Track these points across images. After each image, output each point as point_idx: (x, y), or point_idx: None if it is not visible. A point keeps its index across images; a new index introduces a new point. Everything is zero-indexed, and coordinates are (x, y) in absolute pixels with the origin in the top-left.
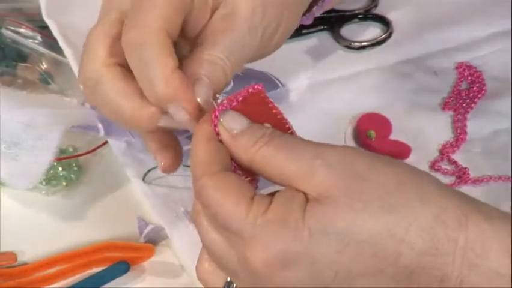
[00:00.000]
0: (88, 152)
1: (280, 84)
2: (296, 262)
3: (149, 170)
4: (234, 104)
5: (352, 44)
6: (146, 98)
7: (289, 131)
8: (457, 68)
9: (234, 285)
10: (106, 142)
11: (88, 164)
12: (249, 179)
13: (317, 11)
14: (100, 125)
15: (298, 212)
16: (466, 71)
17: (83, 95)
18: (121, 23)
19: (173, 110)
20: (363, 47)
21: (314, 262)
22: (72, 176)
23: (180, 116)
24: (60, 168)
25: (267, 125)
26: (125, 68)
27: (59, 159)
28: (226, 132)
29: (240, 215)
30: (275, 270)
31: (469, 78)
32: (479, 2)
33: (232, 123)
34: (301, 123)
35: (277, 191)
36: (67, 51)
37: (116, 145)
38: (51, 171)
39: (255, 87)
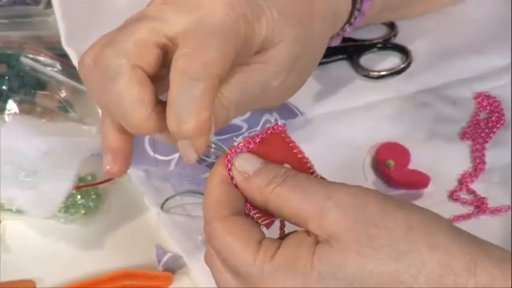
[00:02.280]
0: (107, 181)
1: (298, 113)
2: None
3: (167, 199)
4: (251, 146)
5: (371, 73)
6: (156, 109)
7: (310, 171)
8: (475, 97)
9: None
10: None
11: (107, 192)
12: (266, 221)
13: (357, 23)
14: None
15: (307, 255)
16: (485, 100)
17: (80, 72)
18: (160, 34)
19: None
20: (382, 76)
21: None
22: (90, 204)
23: (190, 155)
24: (78, 197)
25: (286, 165)
26: (145, 73)
27: (77, 188)
28: (240, 175)
29: (248, 259)
30: None
31: (488, 108)
32: (497, 32)
33: (246, 166)
34: (320, 153)
35: (287, 234)
36: None
37: (134, 174)
38: (70, 200)
39: (276, 127)
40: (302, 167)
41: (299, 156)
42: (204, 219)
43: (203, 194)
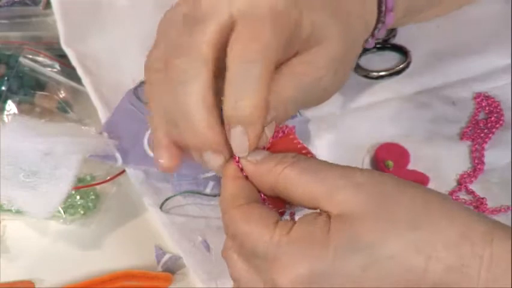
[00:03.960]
0: (106, 181)
1: (298, 113)
2: (323, 280)
3: (166, 199)
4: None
5: (370, 73)
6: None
7: None
8: (475, 98)
9: None
10: (124, 171)
11: (106, 192)
12: (279, 210)
13: (379, 35)
14: (117, 155)
15: (323, 229)
16: (484, 101)
17: (146, 74)
18: (226, 29)
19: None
20: (381, 77)
21: (340, 279)
22: (90, 204)
23: (243, 145)
24: (78, 197)
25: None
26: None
27: (77, 188)
28: (249, 163)
29: (264, 238)
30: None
31: (487, 108)
32: (497, 32)
33: (254, 155)
34: (319, 153)
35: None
36: (85, 80)
37: (133, 174)
38: (69, 200)
39: (285, 130)
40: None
41: (303, 151)
42: (222, 211)
43: (202, 194)
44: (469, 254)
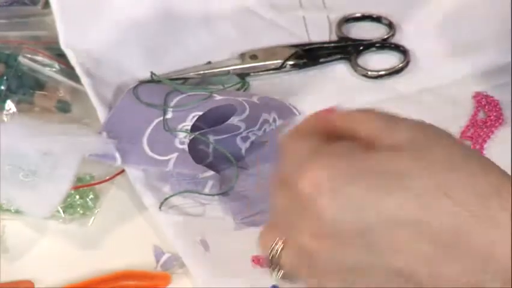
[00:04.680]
0: (105, 181)
1: (297, 112)
2: (345, 189)
3: (165, 199)
4: None
5: (369, 72)
6: None
7: None
8: (474, 97)
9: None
10: (123, 171)
11: (105, 192)
12: None
13: None
14: (117, 154)
15: (361, 150)
16: (484, 100)
17: None
18: None
19: None
20: (381, 76)
21: (360, 192)
22: (89, 204)
23: None
24: (77, 197)
25: None
26: None
27: (76, 188)
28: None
29: (306, 145)
30: (322, 192)
31: (486, 107)
32: (496, 31)
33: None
34: None
35: None
36: (84, 79)
37: (133, 174)
38: (69, 200)
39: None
40: None
41: None
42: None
43: (201, 193)
44: (497, 207)
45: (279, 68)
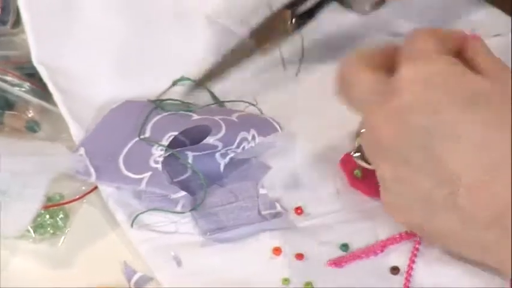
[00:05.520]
0: (76, 199)
1: (279, 129)
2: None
3: (137, 215)
4: None
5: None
6: None
7: None
8: None
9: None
10: (94, 189)
11: (75, 211)
12: None
13: None
14: (92, 170)
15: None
16: None
17: None
18: None
19: None
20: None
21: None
22: (59, 223)
23: None
24: (47, 216)
25: None
26: None
27: (46, 207)
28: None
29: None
30: (413, 87)
31: None
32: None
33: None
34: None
35: None
36: (56, 96)
37: (106, 191)
38: (39, 219)
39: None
40: None
41: None
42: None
43: (172, 212)
44: None
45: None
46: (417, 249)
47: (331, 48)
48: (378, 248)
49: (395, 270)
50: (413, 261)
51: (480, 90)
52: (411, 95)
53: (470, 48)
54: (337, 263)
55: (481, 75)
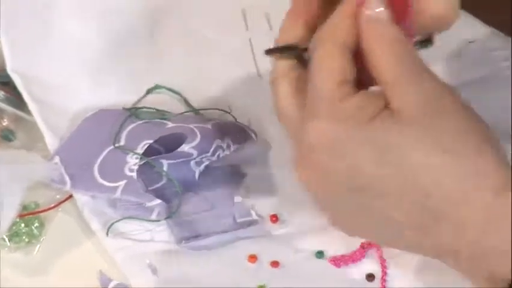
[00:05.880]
0: (51, 208)
1: (254, 137)
2: (343, 152)
3: (112, 223)
4: None
5: None
6: None
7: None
8: None
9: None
10: (69, 197)
11: (51, 219)
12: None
13: None
14: (67, 178)
15: (373, 112)
16: None
17: None
18: None
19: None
20: None
21: (355, 163)
22: (34, 232)
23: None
24: (22, 225)
25: None
26: None
27: (21, 216)
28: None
29: (326, 85)
30: (323, 152)
31: None
32: None
33: (372, 4)
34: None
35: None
36: (31, 105)
37: (81, 199)
38: (14, 228)
39: None
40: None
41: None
42: (317, 35)
43: (148, 220)
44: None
45: None
46: (381, 256)
47: None
48: (358, 256)
49: (370, 277)
50: (385, 267)
51: (388, 143)
52: (322, 155)
53: (368, 56)
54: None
55: (392, 114)
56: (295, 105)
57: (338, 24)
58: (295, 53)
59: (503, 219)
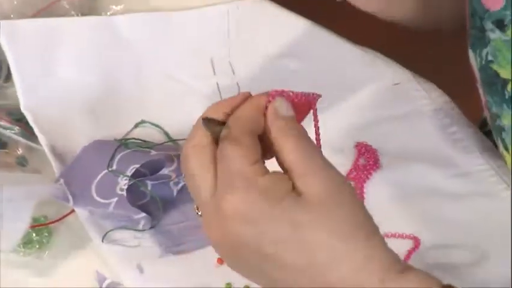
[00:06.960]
0: (57, 220)
1: None
2: (255, 222)
3: (107, 233)
4: (288, 98)
5: None
6: None
7: (317, 141)
8: (356, 146)
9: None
10: (71, 212)
11: (57, 229)
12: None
13: None
14: (70, 196)
15: (281, 196)
16: (363, 148)
17: None
18: None
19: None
20: None
21: (265, 232)
22: (44, 240)
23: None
24: (34, 234)
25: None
26: None
27: (33, 227)
28: (272, 108)
29: (243, 162)
30: (236, 221)
31: (366, 154)
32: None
33: (283, 107)
34: None
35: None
36: (40, 137)
37: (81, 213)
38: (27, 237)
39: (312, 95)
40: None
41: (314, 124)
42: (230, 122)
43: (135, 229)
44: (366, 281)
45: None
46: None
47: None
48: None
49: None
50: None
51: (296, 221)
52: (234, 222)
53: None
54: None
55: (298, 198)
56: (208, 175)
57: (248, 114)
58: (218, 129)
59: None
